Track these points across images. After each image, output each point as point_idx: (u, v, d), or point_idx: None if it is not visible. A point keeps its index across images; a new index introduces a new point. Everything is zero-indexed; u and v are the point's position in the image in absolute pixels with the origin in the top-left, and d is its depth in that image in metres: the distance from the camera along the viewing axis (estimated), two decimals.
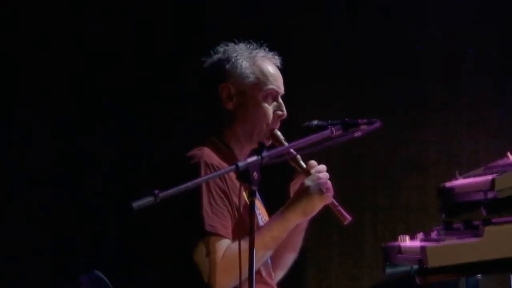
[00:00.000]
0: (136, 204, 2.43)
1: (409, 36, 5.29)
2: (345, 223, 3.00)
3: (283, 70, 3.20)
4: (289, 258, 3.29)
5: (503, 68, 5.26)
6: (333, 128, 2.91)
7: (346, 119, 2.95)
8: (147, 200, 2.45)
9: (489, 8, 5.26)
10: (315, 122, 3.02)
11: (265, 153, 2.69)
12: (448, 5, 5.27)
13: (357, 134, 2.91)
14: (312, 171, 3.03)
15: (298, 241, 3.25)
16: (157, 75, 5.14)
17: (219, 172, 2.77)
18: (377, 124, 2.93)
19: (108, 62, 5.11)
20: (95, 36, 5.12)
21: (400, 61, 5.28)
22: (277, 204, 3.04)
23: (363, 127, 2.92)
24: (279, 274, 3.30)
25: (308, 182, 2.98)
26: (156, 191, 2.46)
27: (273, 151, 2.75)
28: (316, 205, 2.97)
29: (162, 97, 5.11)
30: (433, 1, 5.30)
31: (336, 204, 3.01)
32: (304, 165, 3.07)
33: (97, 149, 5.06)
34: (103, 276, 3.31)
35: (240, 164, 2.62)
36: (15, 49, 5.08)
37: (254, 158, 2.67)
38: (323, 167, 3.06)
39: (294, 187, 3.13)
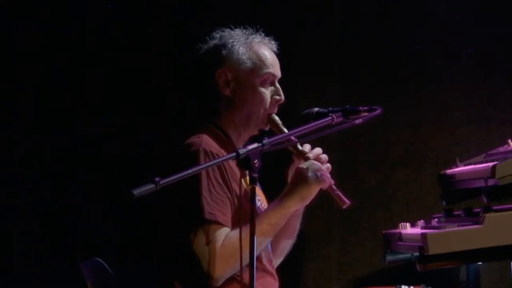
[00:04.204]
0: (136, 192, 2.42)
1: (409, 36, 5.29)
2: (344, 207, 3.00)
3: (283, 71, 3.21)
4: (287, 244, 3.29)
5: (503, 68, 5.25)
6: (334, 115, 2.92)
7: (347, 106, 2.95)
8: (148, 187, 2.45)
9: (489, 8, 5.25)
10: (315, 109, 3.02)
11: (266, 140, 2.68)
12: (448, 5, 5.27)
13: (358, 121, 2.91)
14: (310, 155, 3.03)
15: (295, 227, 3.25)
16: (157, 74, 5.14)
17: (220, 159, 2.73)
18: (378, 111, 2.93)
19: (108, 62, 5.10)
20: (95, 36, 5.12)
21: (400, 61, 5.27)
22: (276, 190, 3.03)
23: (364, 114, 2.93)
24: (277, 261, 3.30)
25: (303, 167, 2.98)
26: (157, 178, 2.45)
27: (274, 138, 2.75)
28: (313, 190, 2.96)
29: (161, 95, 5.12)
30: (433, 1, 5.30)
31: (335, 188, 3.01)
32: (303, 150, 3.06)
33: (97, 140, 5.06)
34: (103, 263, 3.31)
35: (241, 151, 2.61)
36: (15, 49, 5.07)
37: (254, 145, 2.66)
38: (319, 150, 3.06)
39: (292, 171, 3.13)
